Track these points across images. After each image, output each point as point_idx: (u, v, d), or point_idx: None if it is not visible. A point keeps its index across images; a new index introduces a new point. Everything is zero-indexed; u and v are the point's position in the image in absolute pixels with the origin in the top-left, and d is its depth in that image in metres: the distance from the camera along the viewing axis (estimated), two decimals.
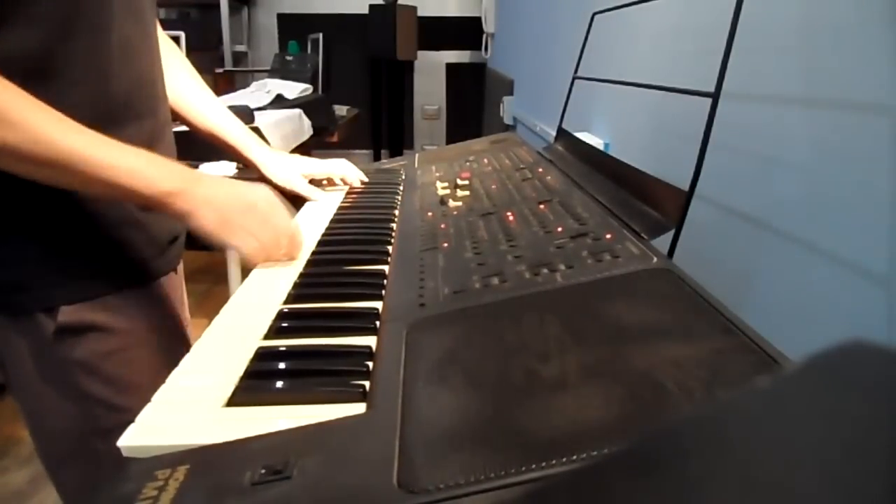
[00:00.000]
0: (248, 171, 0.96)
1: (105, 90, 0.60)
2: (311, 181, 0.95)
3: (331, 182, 1.00)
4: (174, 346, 0.67)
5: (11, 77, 0.50)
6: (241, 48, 3.96)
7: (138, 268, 0.66)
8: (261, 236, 0.62)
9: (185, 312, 0.78)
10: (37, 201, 0.58)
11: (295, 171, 0.93)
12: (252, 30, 4.10)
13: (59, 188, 0.55)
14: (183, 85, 0.84)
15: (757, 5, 0.55)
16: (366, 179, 1.00)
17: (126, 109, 0.63)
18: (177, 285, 0.75)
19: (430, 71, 4.11)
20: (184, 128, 0.87)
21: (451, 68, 4.12)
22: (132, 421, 0.37)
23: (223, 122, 0.88)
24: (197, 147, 0.99)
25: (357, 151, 3.81)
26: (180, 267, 0.78)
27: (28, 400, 0.66)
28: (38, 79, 0.53)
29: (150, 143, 0.65)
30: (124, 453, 0.35)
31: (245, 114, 1.63)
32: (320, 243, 0.71)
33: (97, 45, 0.59)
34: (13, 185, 0.54)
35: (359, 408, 0.38)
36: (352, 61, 3.80)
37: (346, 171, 0.98)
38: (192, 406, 0.39)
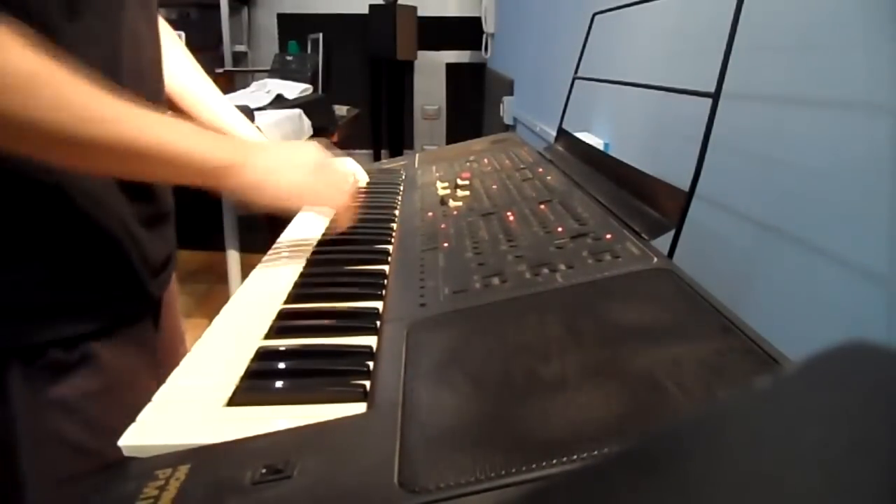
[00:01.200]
0: None
1: (111, 79, 0.55)
2: None
3: None
4: (160, 383, 0.65)
5: None
6: (241, 48, 3.96)
7: (131, 295, 0.61)
8: (327, 189, 0.65)
9: (180, 327, 0.77)
10: (29, 227, 0.53)
11: None
12: (252, 30, 4.10)
13: (86, 174, 0.52)
14: (189, 78, 0.82)
15: (757, 5, 0.55)
16: (368, 180, 1.00)
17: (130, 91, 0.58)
18: (171, 313, 0.74)
19: (430, 71, 4.11)
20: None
21: (451, 68, 4.12)
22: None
23: (230, 119, 0.87)
24: None
25: (357, 151, 3.81)
26: (174, 287, 0.75)
27: None
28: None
29: None
30: (125, 452, 0.35)
31: (245, 114, 1.62)
32: (320, 243, 0.71)
33: (107, 29, 0.55)
34: (4, 209, 0.51)
35: (359, 407, 0.38)
36: (352, 61, 3.80)
37: (353, 171, 0.98)
38: (192, 406, 0.39)
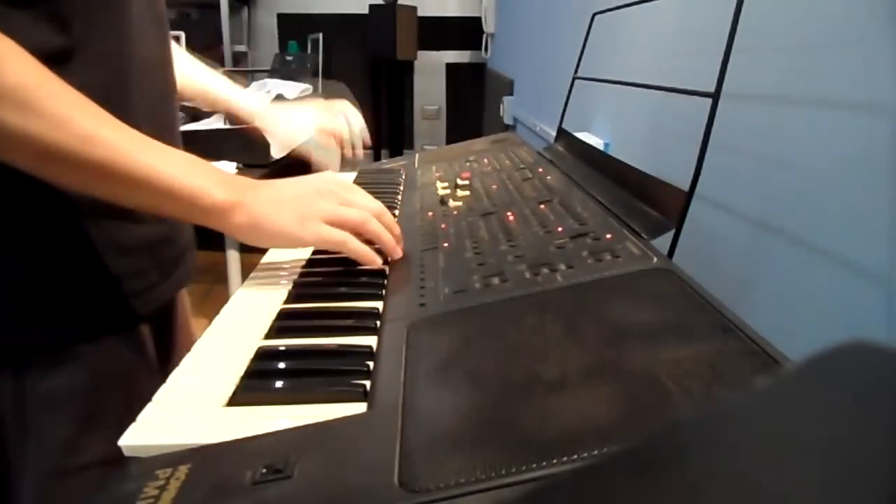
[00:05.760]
0: (248, 172, 0.95)
1: (121, 73, 0.56)
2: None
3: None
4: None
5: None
6: (241, 48, 3.96)
7: (139, 301, 0.60)
8: (345, 214, 0.56)
9: (189, 332, 0.76)
10: (32, 227, 0.53)
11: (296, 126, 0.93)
12: (252, 30, 4.09)
13: (80, 194, 0.51)
14: (185, 62, 0.83)
15: (757, 5, 0.55)
16: (367, 136, 1.00)
17: (139, 94, 0.58)
18: (182, 307, 0.75)
19: (430, 71, 4.10)
20: (187, 127, 0.88)
21: (451, 68, 4.12)
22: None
23: (210, 81, 0.89)
24: (198, 148, 1.00)
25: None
26: (184, 290, 0.75)
27: None
28: (59, 56, 0.49)
29: (162, 135, 0.58)
30: (125, 452, 0.35)
31: None
32: None
33: (117, 20, 0.54)
34: (9, 205, 0.51)
35: (359, 407, 0.38)
36: (352, 61, 3.79)
37: (343, 127, 0.97)
38: (192, 405, 0.39)
